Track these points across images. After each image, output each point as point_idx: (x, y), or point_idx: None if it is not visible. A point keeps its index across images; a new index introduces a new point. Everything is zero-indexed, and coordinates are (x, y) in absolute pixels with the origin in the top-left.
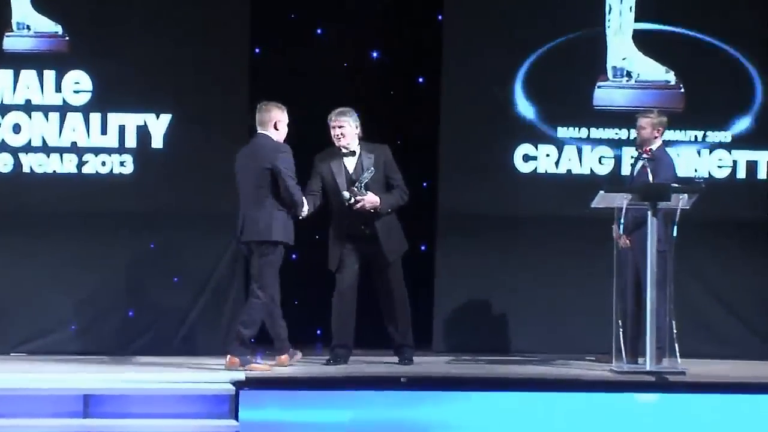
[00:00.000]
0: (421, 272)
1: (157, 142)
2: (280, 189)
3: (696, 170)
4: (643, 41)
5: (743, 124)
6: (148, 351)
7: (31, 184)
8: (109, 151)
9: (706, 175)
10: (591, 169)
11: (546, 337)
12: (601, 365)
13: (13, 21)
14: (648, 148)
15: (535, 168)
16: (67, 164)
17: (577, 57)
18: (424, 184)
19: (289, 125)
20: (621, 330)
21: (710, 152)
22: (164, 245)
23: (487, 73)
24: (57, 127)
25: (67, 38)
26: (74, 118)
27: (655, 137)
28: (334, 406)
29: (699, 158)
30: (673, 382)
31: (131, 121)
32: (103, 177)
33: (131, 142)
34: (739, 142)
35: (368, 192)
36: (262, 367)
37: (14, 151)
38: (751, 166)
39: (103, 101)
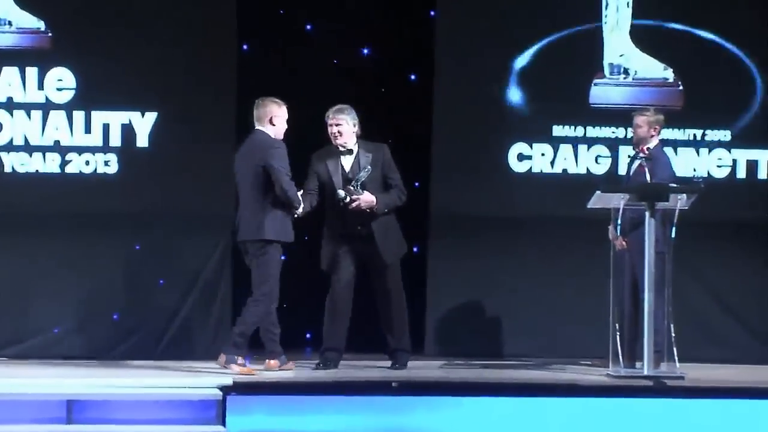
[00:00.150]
0: (413, 274)
1: (142, 141)
2: (275, 187)
3: (695, 170)
4: (640, 38)
5: (743, 122)
6: (133, 355)
7: (13, 184)
8: (93, 150)
9: (706, 175)
10: (587, 169)
11: (541, 341)
12: (597, 370)
13: None
14: (645, 147)
15: (530, 167)
16: (50, 164)
17: (573, 54)
18: (417, 183)
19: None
20: (618, 333)
21: (709, 151)
22: (150, 247)
23: (481, 70)
24: (39, 125)
25: (49, 34)
26: (57, 117)
27: (652, 136)
28: (323, 411)
29: (698, 157)
30: (672, 387)
31: (116, 119)
32: (87, 177)
33: (116, 140)
34: (739, 141)
35: (365, 191)
36: (244, 369)
37: None
38: (752, 165)
39: (86, 99)
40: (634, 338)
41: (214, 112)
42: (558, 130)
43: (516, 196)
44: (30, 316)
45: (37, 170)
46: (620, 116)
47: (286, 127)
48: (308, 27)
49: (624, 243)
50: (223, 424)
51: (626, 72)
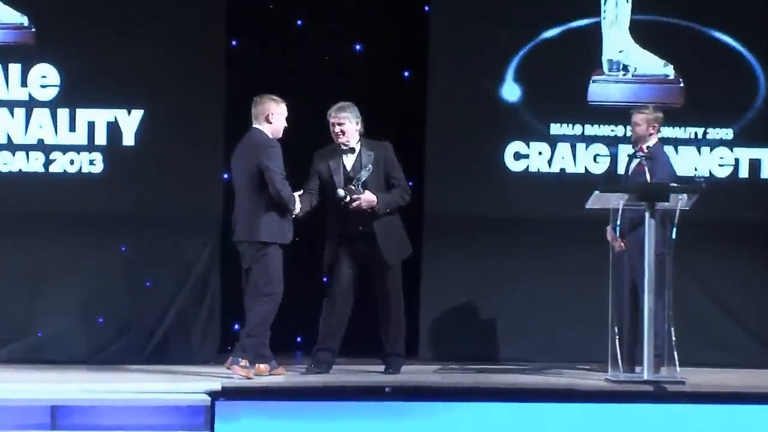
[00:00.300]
0: (407, 276)
1: (128, 140)
2: (269, 187)
3: (696, 169)
4: (640, 33)
5: (746, 120)
6: (119, 359)
7: None
8: (77, 148)
9: (707, 174)
10: (585, 168)
11: (538, 345)
12: (596, 374)
13: None
14: (644, 146)
15: (527, 167)
16: (34, 163)
17: (571, 50)
18: (411, 183)
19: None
20: (617, 337)
21: (711, 150)
22: (136, 248)
23: (476, 66)
24: (23, 123)
25: (33, 30)
26: (41, 114)
27: (651, 134)
28: (314, 417)
29: (699, 156)
30: (672, 392)
31: (101, 117)
32: (71, 176)
33: (101, 139)
34: (742, 140)
35: (366, 191)
36: (244, 372)
37: None
38: (754, 164)
39: (71, 96)
40: (634, 342)
41: (202, 110)
42: (556, 129)
43: (513, 196)
44: (12, 319)
45: (20, 170)
46: (620, 114)
47: (285, 125)
48: (299, 23)
49: (623, 244)
50: (212, 430)
51: (626, 69)
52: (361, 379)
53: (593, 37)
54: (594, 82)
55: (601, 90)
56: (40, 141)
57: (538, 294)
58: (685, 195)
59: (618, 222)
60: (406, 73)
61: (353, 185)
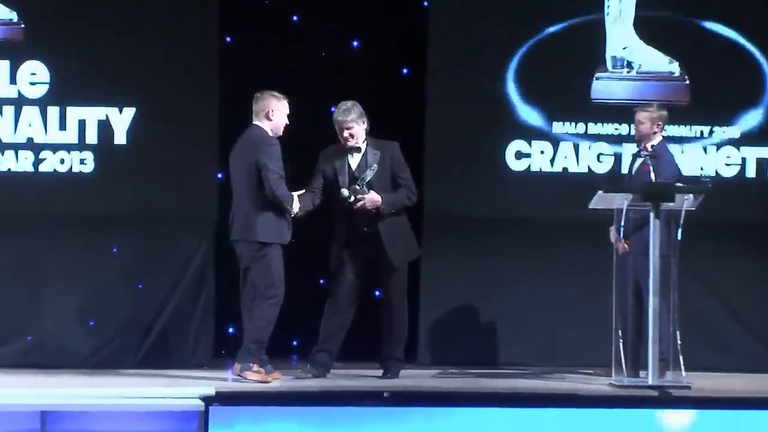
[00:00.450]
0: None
1: (120, 138)
2: (264, 186)
3: (702, 168)
4: (645, 29)
5: (753, 118)
6: (110, 363)
7: None
8: (68, 147)
9: (713, 174)
10: (589, 168)
11: (540, 349)
12: (599, 379)
13: None
14: (648, 145)
15: (529, 166)
16: (23, 162)
17: (573, 46)
18: None
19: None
20: (621, 341)
21: (717, 149)
22: (128, 249)
23: (476, 63)
24: (12, 121)
25: (22, 26)
26: (30, 112)
27: (655, 132)
28: (310, 423)
29: (705, 156)
30: (678, 397)
31: (92, 115)
32: (61, 176)
33: (92, 138)
34: (749, 139)
35: (371, 191)
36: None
37: None
38: (762, 164)
39: (61, 94)
40: (638, 346)
41: (195, 107)
42: (558, 127)
43: (514, 196)
44: (1, 322)
45: (9, 169)
46: (623, 112)
47: (286, 122)
48: (294, 18)
49: (627, 245)
50: None
51: (630, 65)
52: (358, 383)
53: (596, 33)
54: (597, 79)
55: (605, 87)
56: (30, 140)
57: (539, 296)
58: (690, 195)
59: (622, 223)
60: (405, 71)
61: (358, 185)
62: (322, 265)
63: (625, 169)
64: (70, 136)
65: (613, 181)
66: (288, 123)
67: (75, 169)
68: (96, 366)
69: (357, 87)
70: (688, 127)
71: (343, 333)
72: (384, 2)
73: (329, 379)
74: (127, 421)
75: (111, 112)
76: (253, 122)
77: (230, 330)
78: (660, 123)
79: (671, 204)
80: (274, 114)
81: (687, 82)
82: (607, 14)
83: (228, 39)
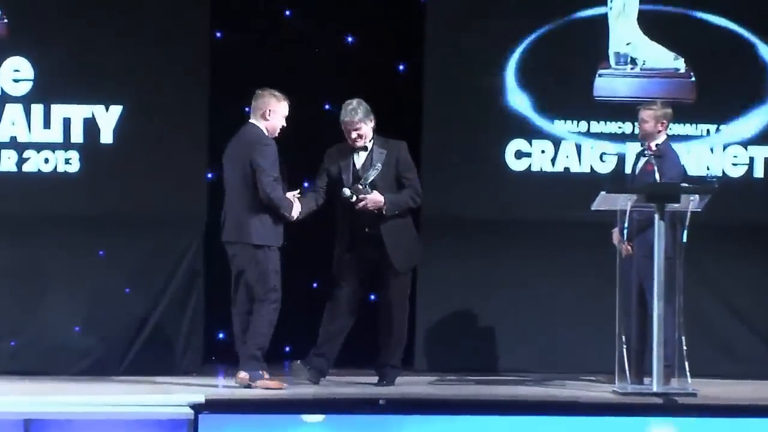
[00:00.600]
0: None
1: (106, 137)
2: (258, 188)
3: (708, 168)
4: (649, 24)
5: (761, 117)
6: (96, 370)
7: None
8: (52, 146)
9: (720, 174)
10: (591, 167)
11: (540, 355)
12: (601, 386)
13: None
14: (652, 144)
15: (529, 166)
16: (6, 162)
17: (575, 42)
18: None
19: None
20: (625, 346)
21: (724, 148)
22: (115, 252)
23: (475, 60)
24: None
25: (5, 21)
26: (13, 110)
27: (659, 131)
28: (304, 431)
29: (711, 155)
30: (683, 405)
31: (77, 113)
32: (46, 176)
33: (77, 136)
34: (757, 138)
35: (373, 191)
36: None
37: None
38: None
39: (45, 91)
40: (642, 352)
41: (184, 105)
42: (559, 126)
43: (514, 197)
44: None
45: None
46: (627, 110)
47: (283, 124)
48: (287, 13)
49: (630, 248)
50: None
51: (634, 62)
52: (353, 390)
53: (599, 28)
54: (600, 76)
55: (608, 84)
56: (13, 138)
57: (540, 300)
58: (696, 196)
59: (625, 224)
60: (401, 67)
61: (360, 185)
62: (315, 268)
63: (628, 169)
64: (55, 134)
65: (617, 181)
66: (285, 125)
67: (60, 169)
68: (82, 372)
69: (352, 84)
70: (693, 125)
71: (342, 338)
72: None
73: (323, 386)
74: (114, 430)
75: (97, 110)
76: (250, 120)
77: (220, 335)
78: (665, 121)
79: (676, 205)
80: (271, 114)
81: (693, 78)
82: (610, 9)
83: (218, 34)
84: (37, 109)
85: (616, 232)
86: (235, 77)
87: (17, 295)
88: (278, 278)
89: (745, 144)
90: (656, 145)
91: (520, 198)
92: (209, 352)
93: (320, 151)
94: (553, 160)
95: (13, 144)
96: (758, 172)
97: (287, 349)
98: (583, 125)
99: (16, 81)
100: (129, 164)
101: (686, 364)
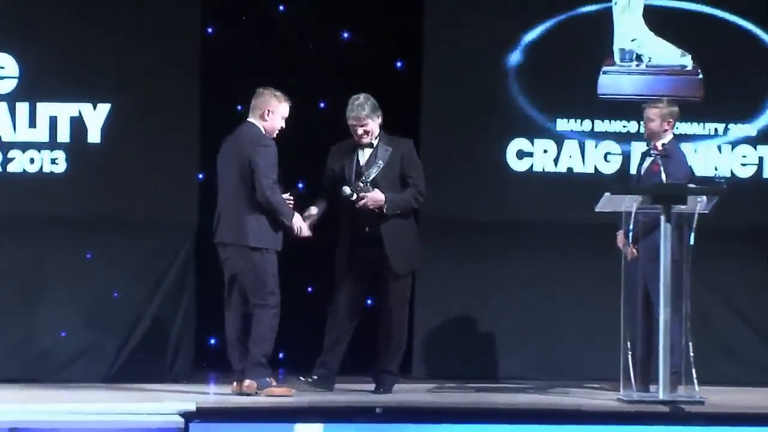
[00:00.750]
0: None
1: (94, 136)
2: (256, 191)
3: (716, 169)
4: (655, 20)
5: None
6: (83, 377)
7: None
8: (38, 146)
9: (728, 175)
10: (595, 168)
11: (542, 361)
12: (606, 393)
13: None
14: (658, 143)
15: (531, 166)
16: None
17: (579, 38)
18: None
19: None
20: (630, 353)
21: (733, 148)
22: (102, 255)
23: (475, 56)
24: None
25: None
26: None
27: (666, 130)
28: None
29: (720, 155)
30: (691, 413)
31: (64, 111)
32: (31, 176)
33: (64, 136)
34: (766, 137)
35: (375, 189)
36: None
37: None
38: None
39: (31, 89)
40: (648, 358)
41: (175, 103)
42: (562, 124)
43: (515, 198)
44: None
45: None
46: (632, 108)
47: (282, 126)
48: (281, 8)
49: (636, 251)
50: None
51: (639, 59)
52: (349, 398)
53: (604, 24)
54: (604, 73)
55: (613, 82)
56: None
57: (542, 305)
58: (704, 197)
59: (630, 227)
60: (398, 63)
61: (361, 182)
62: (311, 271)
63: (633, 170)
64: (41, 134)
65: (621, 182)
66: (283, 127)
67: (46, 170)
68: (69, 379)
69: (347, 81)
70: (701, 124)
71: (344, 346)
72: None
73: (318, 394)
74: None
75: (84, 109)
76: (248, 119)
77: (212, 341)
78: (671, 120)
79: (683, 207)
80: (270, 114)
81: (700, 76)
82: (615, 4)
83: (210, 30)
84: (22, 108)
85: (620, 234)
86: (228, 74)
87: (1, 300)
88: (276, 282)
89: (754, 143)
90: (662, 144)
91: (521, 199)
92: (200, 358)
93: (317, 151)
94: (555, 160)
95: None
96: None
97: (281, 355)
98: (586, 124)
99: (0, 78)
100: (117, 164)
101: (693, 370)
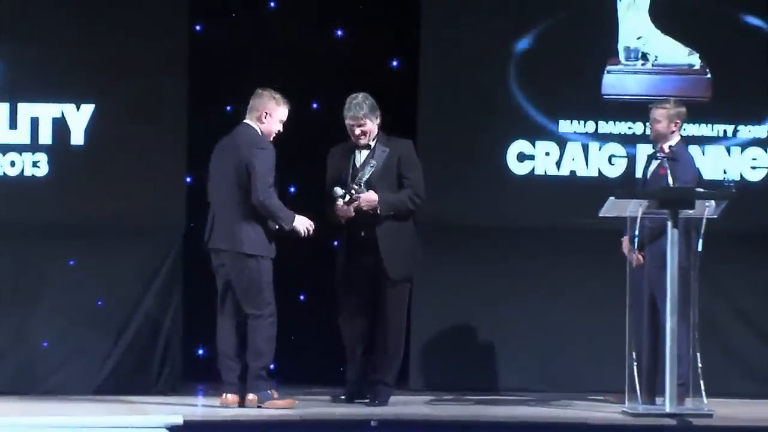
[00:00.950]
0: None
1: (77, 138)
2: (251, 195)
3: (725, 172)
4: (661, 17)
5: None
6: (65, 389)
7: None
8: (19, 148)
9: (738, 178)
10: (599, 171)
11: (545, 373)
12: (611, 406)
13: None
14: (665, 145)
15: (532, 169)
16: None
17: (582, 36)
18: None
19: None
20: (635, 363)
21: (742, 150)
22: (86, 262)
23: (474, 55)
24: None
25: None
26: None
27: (673, 132)
28: None
29: (729, 157)
30: (699, 427)
31: (46, 112)
32: (12, 180)
33: (46, 137)
34: None
35: (370, 190)
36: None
37: None
38: None
39: (11, 89)
40: (654, 369)
41: (161, 103)
42: (565, 126)
43: (516, 203)
44: None
45: None
46: (638, 109)
47: (279, 129)
48: (272, 4)
49: (641, 258)
50: None
51: (645, 57)
52: (342, 411)
53: (608, 21)
54: (609, 72)
55: (617, 82)
56: None
57: (544, 315)
58: (712, 201)
59: (636, 232)
60: (394, 63)
61: (355, 183)
62: (302, 279)
63: (639, 173)
64: (22, 135)
65: (627, 185)
66: (281, 131)
67: (27, 173)
68: (50, 391)
69: (341, 80)
70: (709, 125)
71: (360, 355)
72: None
73: (309, 409)
74: None
75: (67, 109)
76: (245, 120)
77: (200, 352)
78: (678, 121)
79: (691, 211)
80: (268, 117)
81: (708, 75)
82: (620, 0)
83: (198, 27)
84: (2, 108)
85: (626, 240)
86: (217, 73)
87: None
88: (271, 290)
89: (764, 145)
90: (669, 146)
91: (522, 204)
92: (188, 369)
93: (310, 154)
94: (558, 163)
95: None
96: None
97: (272, 367)
98: (590, 125)
99: None
100: (101, 167)
101: (701, 382)
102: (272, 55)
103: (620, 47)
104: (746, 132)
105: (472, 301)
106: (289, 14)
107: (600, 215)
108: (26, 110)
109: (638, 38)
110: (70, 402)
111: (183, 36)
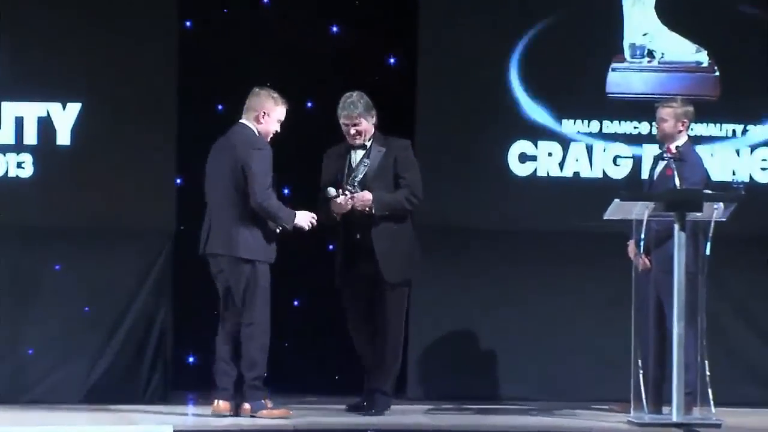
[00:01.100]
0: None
1: (63, 138)
2: (249, 197)
3: (734, 173)
4: (668, 13)
5: None
6: (51, 398)
7: None
8: (3, 149)
9: (747, 179)
10: (604, 172)
11: (547, 381)
12: (616, 416)
13: None
14: (672, 146)
15: (535, 170)
16: None
17: (586, 33)
18: None
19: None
20: (641, 371)
21: (751, 151)
22: (73, 266)
23: (475, 52)
24: None
25: None
26: None
27: (680, 131)
28: None
29: (738, 158)
30: None
31: (31, 111)
32: None
33: (31, 138)
34: None
35: (364, 190)
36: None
37: None
38: None
39: None
40: (661, 377)
41: (150, 102)
42: (568, 126)
43: (517, 205)
44: None
45: None
46: (644, 108)
47: (277, 130)
48: (265, 0)
49: (648, 262)
50: None
51: (651, 55)
52: (338, 420)
53: (613, 17)
54: (614, 70)
55: (622, 80)
56: None
57: (547, 321)
58: (721, 203)
59: (642, 235)
60: (392, 60)
61: (349, 183)
62: (297, 284)
63: (645, 174)
64: (6, 135)
65: (632, 187)
66: (278, 131)
67: (11, 174)
68: (36, 401)
69: (336, 78)
70: (717, 125)
71: (370, 362)
72: None
73: (302, 418)
74: None
75: (53, 108)
76: (241, 120)
77: (190, 359)
78: (685, 120)
79: (699, 214)
80: (265, 117)
81: (717, 73)
82: None
83: (188, 23)
84: None
85: (632, 244)
86: (208, 71)
87: None
88: (267, 296)
89: None
90: (676, 147)
91: (524, 206)
92: (178, 377)
93: (305, 154)
94: (561, 164)
95: None
96: None
97: (265, 374)
98: (594, 125)
99: None
100: (88, 168)
101: (710, 391)
102: (266, 52)
103: (625, 44)
104: (756, 132)
105: (472, 307)
106: (284, 10)
107: (605, 218)
108: (10, 109)
109: (644, 35)
110: (56, 411)
111: (173, 32)
